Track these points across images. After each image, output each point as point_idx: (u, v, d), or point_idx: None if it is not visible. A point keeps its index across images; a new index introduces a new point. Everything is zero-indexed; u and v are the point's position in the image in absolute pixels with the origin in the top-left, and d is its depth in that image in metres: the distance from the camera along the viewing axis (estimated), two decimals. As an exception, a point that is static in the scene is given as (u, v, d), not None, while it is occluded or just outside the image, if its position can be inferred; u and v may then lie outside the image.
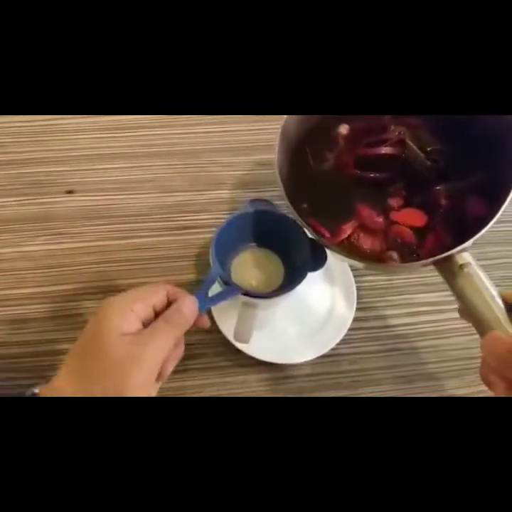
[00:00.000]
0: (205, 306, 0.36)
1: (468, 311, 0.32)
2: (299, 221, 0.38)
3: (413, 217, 0.38)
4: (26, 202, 0.56)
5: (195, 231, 0.55)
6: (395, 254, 0.37)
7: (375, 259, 0.38)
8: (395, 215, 0.38)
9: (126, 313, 0.32)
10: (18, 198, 0.56)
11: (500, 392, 0.29)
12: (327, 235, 0.39)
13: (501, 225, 0.58)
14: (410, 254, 0.37)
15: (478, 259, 0.56)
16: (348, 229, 0.39)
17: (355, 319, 0.50)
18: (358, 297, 0.51)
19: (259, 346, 0.46)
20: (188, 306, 0.34)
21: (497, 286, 0.54)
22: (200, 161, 0.60)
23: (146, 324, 0.32)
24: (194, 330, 0.35)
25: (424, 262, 0.33)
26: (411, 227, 0.38)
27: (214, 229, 0.54)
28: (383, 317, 0.52)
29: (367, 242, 0.39)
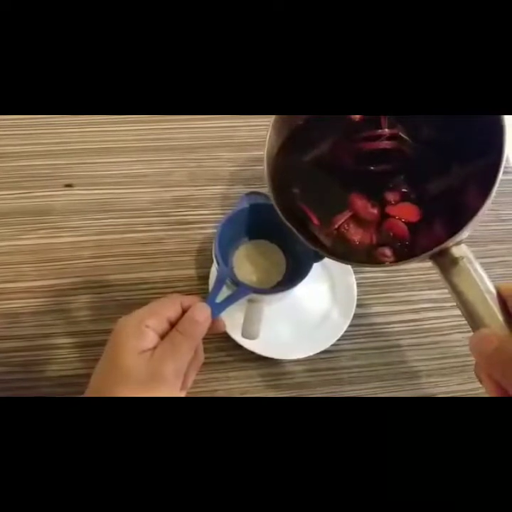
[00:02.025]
0: (218, 310, 0.35)
1: (462, 306, 0.31)
2: (281, 216, 0.37)
3: (408, 212, 0.37)
4: (24, 195, 0.55)
5: (195, 226, 0.55)
6: (387, 251, 0.36)
7: (365, 253, 0.37)
8: (390, 209, 0.37)
9: (142, 330, 0.31)
10: (16, 191, 0.55)
11: (489, 390, 0.29)
12: (316, 221, 0.38)
13: (502, 223, 0.58)
14: (402, 248, 0.36)
15: (478, 257, 0.56)
16: (340, 219, 0.38)
17: (356, 315, 0.50)
18: (359, 293, 0.51)
19: (260, 342, 0.45)
20: (201, 313, 0.33)
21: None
22: (200, 156, 0.59)
23: (163, 337, 0.32)
24: (211, 334, 0.35)
25: (419, 257, 0.32)
26: (405, 222, 0.37)
27: (213, 224, 0.55)
28: (384, 314, 0.52)
29: (357, 234, 0.37)
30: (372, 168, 0.39)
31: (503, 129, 0.30)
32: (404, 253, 0.35)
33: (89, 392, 0.32)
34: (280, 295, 0.39)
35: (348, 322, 0.49)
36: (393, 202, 0.37)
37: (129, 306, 0.50)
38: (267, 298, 0.40)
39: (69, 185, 0.56)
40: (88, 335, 0.48)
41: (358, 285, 0.51)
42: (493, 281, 0.32)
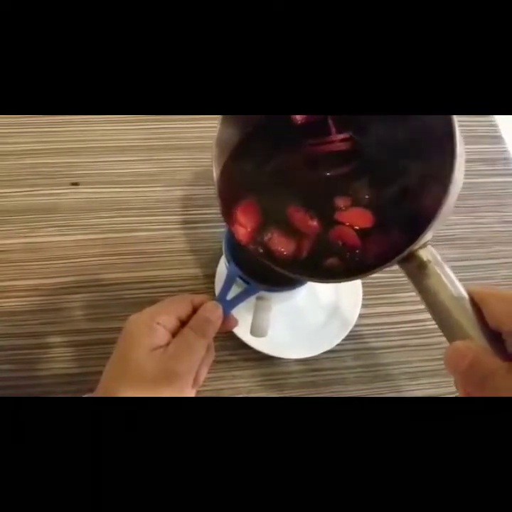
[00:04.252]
0: (229, 308, 0.36)
1: (434, 314, 0.29)
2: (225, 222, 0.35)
3: (360, 217, 0.34)
4: (33, 193, 0.55)
5: (201, 226, 0.55)
6: (335, 261, 0.33)
7: (311, 266, 0.33)
8: (340, 216, 0.34)
9: (153, 327, 0.32)
10: (24, 189, 0.55)
11: None
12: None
13: (506, 225, 0.58)
14: (353, 258, 0.33)
15: (482, 259, 0.57)
16: (243, 212, 0.35)
17: (361, 315, 0.50)
18: (364, 294, 0.51)
19: (265, 340, 0.45)
20: (213, 312, 0.34)
21: (499, 285, 0.54)
22: (207, 155, 0.59)
23: (174, 335, 0.32)
24: (221, 332, 0.35)
25: (386, 265, 0.29)
26: (357, 228, 0.34)
27: (219, 224, 0.55)
28: (389, 314, 0.52)
29: (281, 243, 0.34)
30: (327, 173, 0.36)
31: (452, 124, 0.27)
32: (355, 262, 0.33)
33: (100, 390, 0.32)
34: (289, 293, 0.40)
35: (354, 322, 0.49)
36: (343, 207, 0.34)
37: (136, 304, 0.50)
38: (276, 296, 0.40)
39: (75, 184, 0.56)
40: (94, 333, 0.49)
41: (363, 285, 0.51)
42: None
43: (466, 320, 0.27)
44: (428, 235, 0.28)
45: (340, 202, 0.34)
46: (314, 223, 0.34)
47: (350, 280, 0.33)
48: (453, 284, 0.28)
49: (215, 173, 0.36)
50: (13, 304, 0.49)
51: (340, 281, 0.34)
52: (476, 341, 0.26)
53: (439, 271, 0.29)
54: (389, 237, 0.32)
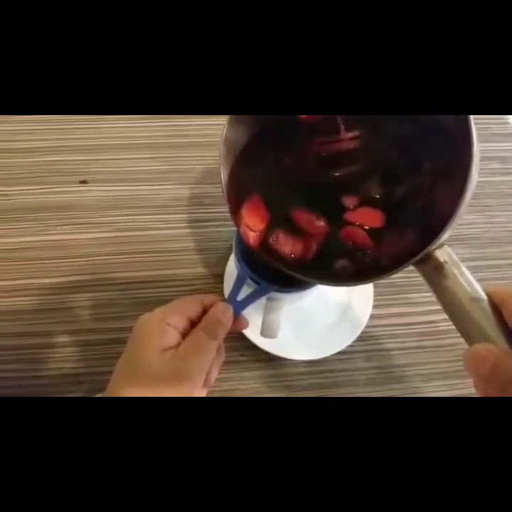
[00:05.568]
0: (239, 309, 0.35)
1: (452, 317, 0.28)
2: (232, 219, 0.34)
3: (370, 217, 0.33)
4: (47, 190, 0.55)
5: (210, 224, 0.55)
6: (346, 263, 0.32)
7: (320, 268, 0.33)
8: (349, 216, 0.33)
9: (164, 327, 0.32)
10: (39, 187, 0.55)
11: None
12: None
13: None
14: (364, 258, 0.32)
15: (494, 258, 0.56)
16: (249, 212, 0.34)
17: (372, 316, 0.49)
18: (375, 294, 0.50)
19: (274, 342, 0.45)
20: (224, 313, 0.34)
21: (513, 285, 0.54)
22: (217, 154, 0.59)
23: (184, 335, 0.32)
24: (234, 332, 0.35)
25: (402, 267, 0.29)
26: (368, 229, 0.33)
27: (229, 223, 0.54)
28: (401, 315, 0.51)
29: (287, 245, 0.34)
30: (336, 173, 0.35)
31: (469, 123, 0.26)
32: (367, 263, 0.32)
33: (110, 389, 0.31)
34: (300, 294, 0.39)
35: (365, 323, 0.48)
36: (352, 207, 0.34)
37: (145, 304, 0.49)
38: (287, 296, 0.39)
39: (83, 182, 0.56)
40: (104, 332, 0.48)
41: (375, 285, 0.51)
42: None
43: (486, 321, 0.26)
44: (445, 235, 0.27)
45: (348, 201, 0.34)
46: (321, 224, 0.34)
47: (365, 283, 0.32)
48: (471, 284, 0.28)
49: (223, 173, 0.35)
50: (23, 302, 0.49)
51: (353, 285, 0.33)
52: (496, 343, 0.26)
53: (456, 272, 0.28)
54: (403, 238, 0.32)
